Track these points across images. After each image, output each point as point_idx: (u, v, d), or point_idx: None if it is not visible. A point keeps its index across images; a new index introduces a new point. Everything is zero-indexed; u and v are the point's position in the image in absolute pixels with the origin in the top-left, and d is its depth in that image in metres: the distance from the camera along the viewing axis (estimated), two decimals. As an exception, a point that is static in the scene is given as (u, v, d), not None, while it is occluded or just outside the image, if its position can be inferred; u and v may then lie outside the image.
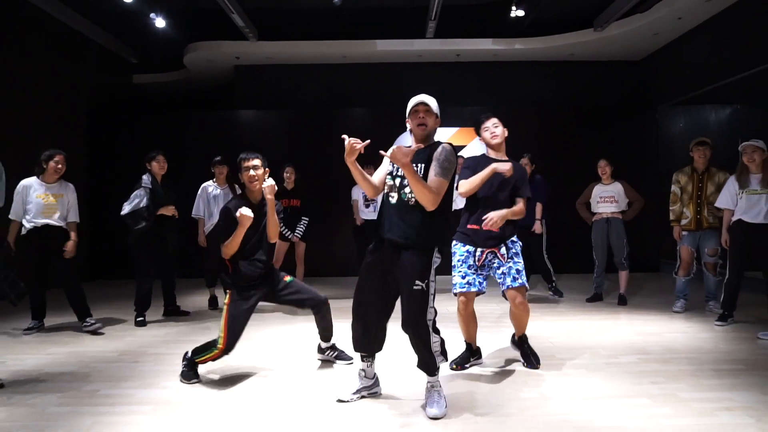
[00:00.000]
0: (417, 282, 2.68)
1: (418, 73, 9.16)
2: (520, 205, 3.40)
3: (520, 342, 3.65)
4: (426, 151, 2.78)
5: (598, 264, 5.92)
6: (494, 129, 3.44)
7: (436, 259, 2.75)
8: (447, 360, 3.02)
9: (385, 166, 2.92)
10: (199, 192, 5.82)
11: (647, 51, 8.74)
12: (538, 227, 6.04)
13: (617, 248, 5.74)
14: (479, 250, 3.39)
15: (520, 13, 7.82)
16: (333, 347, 3.76)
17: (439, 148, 2.74)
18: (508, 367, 3.56)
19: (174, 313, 5.35)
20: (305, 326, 4.62)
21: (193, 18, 8.63)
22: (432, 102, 2.80)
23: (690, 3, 6.82)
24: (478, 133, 3.53)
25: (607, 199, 5.79)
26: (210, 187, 5.80)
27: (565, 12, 8.12)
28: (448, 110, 8.72)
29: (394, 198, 2.78)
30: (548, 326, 4.74)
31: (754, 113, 7.72)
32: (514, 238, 3.45)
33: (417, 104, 2.79)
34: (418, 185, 2.58)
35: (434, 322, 2.80)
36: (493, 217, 3.21)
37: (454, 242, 3.48)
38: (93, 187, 8.23)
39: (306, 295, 3.61)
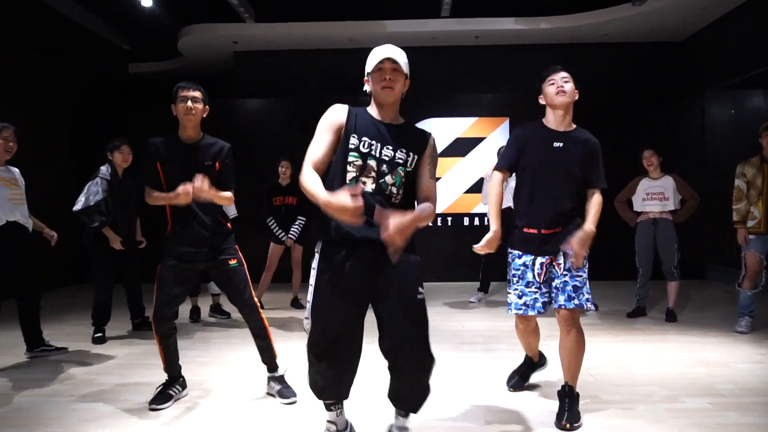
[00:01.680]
0: (420, 290, 2.08)
1: (432, 58, 8.32)
2: (596, 200, 2.63)
3: (563, 393, 2.65)
4: (409, 134, 2.16)
5: (642, 272, 5.02)
6: (563, 83, 2.64)
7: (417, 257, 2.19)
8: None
9: (328, 134, 2.15)
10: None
11: (692, 29, 7.75)
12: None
13: (666, 254, 4.85)
14: (539, 261, 2.64)
15: (548, -15, 6.94)
16: (277, 379, 3.02)
17: (431, 141, 2.21)
18: (545, 409, 2.73)
19: (142, 327, 4.62)
20: (294, 345, 3.87)
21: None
22: (401, 56, 2.08)
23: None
24: (540, 91, 2.73)
25: (655, 195, 4.89)
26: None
27: (598, -16, 7.21)
28: (466, 99, 7.91)
29: (368, 185, 2.05)
30: (587, 350, 3.88)
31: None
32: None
33: (382, 60, 2.05)
34: (425, 217, 2.03)
35: None
36: (577, 251, 2.48)
37: (510, 250, 2.77)
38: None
39: (236, 294, 2.95)
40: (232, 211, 4.94)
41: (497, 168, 2.78)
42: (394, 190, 2.07)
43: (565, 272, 2.60)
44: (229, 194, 2.88)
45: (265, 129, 7.82)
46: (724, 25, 7.26)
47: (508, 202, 5.54)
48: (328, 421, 2.29)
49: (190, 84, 2.92)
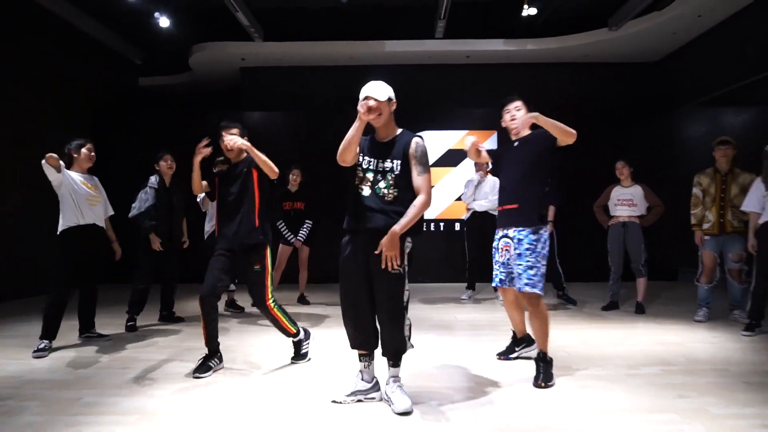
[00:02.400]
0: (396, 267, 2.70)
1: (427, 75, 8.97)
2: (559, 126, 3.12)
3: (537, 359, 3.24)
4: (396, 145, 2.78)
5: (613, 270, 5.64)
6: (515, 112, 3.34)
7: (408, 244, 2.78)
8: (412, 346, 2.89)
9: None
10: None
11: (665, 51, 8.49)
12: (549, 229, 5.82)
13: (635, 254, 5.46)
14: (502, 239, 3.35)
15: (533, 11, 7.62)
16: (294, 344, 3.75)
17: (413, 145, 2.76)
18: (525, 376, 3.30)
19: (168, 319, 5.16)
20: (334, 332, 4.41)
21: (199, 18, 8.54)
22: (379, 91, 2.73)
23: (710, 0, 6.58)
24: (500, 116, 3.45)
25: (624, 202, 5.52)
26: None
27: (578, 10, 7.92)
28: (458, 112, 8.54)
29: (365, 191, 2.78)
30: (562, 335, 4.47)
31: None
32: (531, 234, 3.16)
33: (364, 99, 2.72)
34: (413, 217, 2.67)
35: (406, 304, 2.80)
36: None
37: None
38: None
39: (253, 293, 3.58)
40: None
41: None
42: (386, 191, 2.73)
43: (516, 255, 3.22)
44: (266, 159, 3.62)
45: (271, 141, 8.33)
46: (695, 48, 7.98)
47: (482, 207, 6.17)
48: (359, 370, 2.93)
49: (228, 123, 3.67)
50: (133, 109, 9.60)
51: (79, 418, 2.68)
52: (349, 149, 2.72)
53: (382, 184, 2.74)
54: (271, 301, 3.58)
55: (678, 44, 8.15)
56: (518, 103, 3.36)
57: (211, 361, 3.51)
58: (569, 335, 4.47)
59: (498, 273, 3.40)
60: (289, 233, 6.05)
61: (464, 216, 7.01)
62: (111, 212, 4.48)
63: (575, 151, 8.02)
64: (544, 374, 3.16)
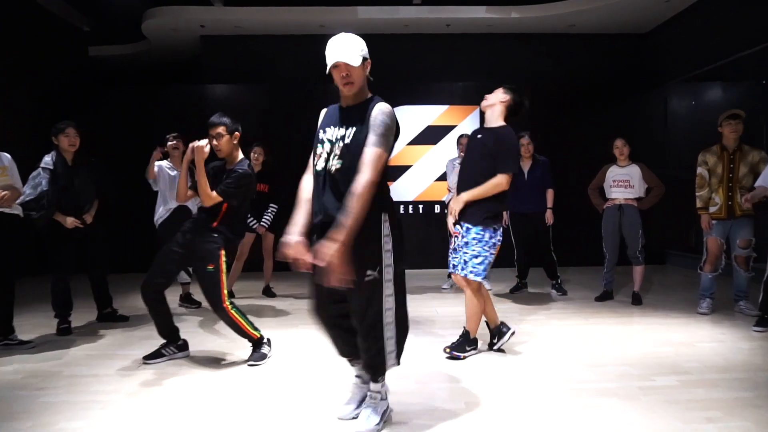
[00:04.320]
0: (369, 272, 2.17)
1: (404, 46, 8.30)
2: (494, 180, 3.21)
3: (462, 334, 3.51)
4: (359, 110, 2.25)
5: (608, 258, 5.18)
6: (489, 95, 3.42)
7: (387, 238, 2.21)
8: (399, 364, 2.36)
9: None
10: (156, 169, 4.94)
11: (655, 22, 7.97)
12: (550, 217, 5.35)
13: (631, 240, 5.00)
14: (455, 224, 3.39)
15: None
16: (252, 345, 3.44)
17: (374, 111, 2.19)
18: (521, 388, 2.79)
19: (109, 318, 4.50)
20: (303, 332, 3.83)
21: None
22: (350, 53, 2.16)
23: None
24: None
25: (621, 183, 5.03)
26: (166, 167, 4.93)
27: (567, -25, 7.31)
28: (438, 86, 7.92)
29: (319, 165, 2.29)
30: (558, 333, 3.99)
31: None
32: (469, 225, 3.24)
33: (333, 63, 2.19)
34: (355, 211, 2.03)
35: (401, 312, 2.32)
36: (452, 207, 3.34)
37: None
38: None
39: (208, 294, 3.27)
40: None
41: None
42: (333, 161, 2.20)
43: (461, 246, 3.29)
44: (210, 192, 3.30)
45: (235, 116, 7.54)
46: (686, 19, 7.49)
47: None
48: (355, 375, 2.58)
49: (214, 120, 3.34)
50: (83, 82, 8.71)
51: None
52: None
53: (332, 158, 2.23)
54: (228, 302, 3.23)
55: (669, 14, 7.65)
56: (500, 90, 3.42)
57: (166, 348, 3.42)
58: (566, 334, 3.99)
59: (451, 259, 3.43)
60: (252, 219, 5.42)
61: (445, 198, 6.48)
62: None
63: (560, 128, 7.63)
64: (458, 345, 3.43)
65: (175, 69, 9.59)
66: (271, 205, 5.50)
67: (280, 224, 5.61)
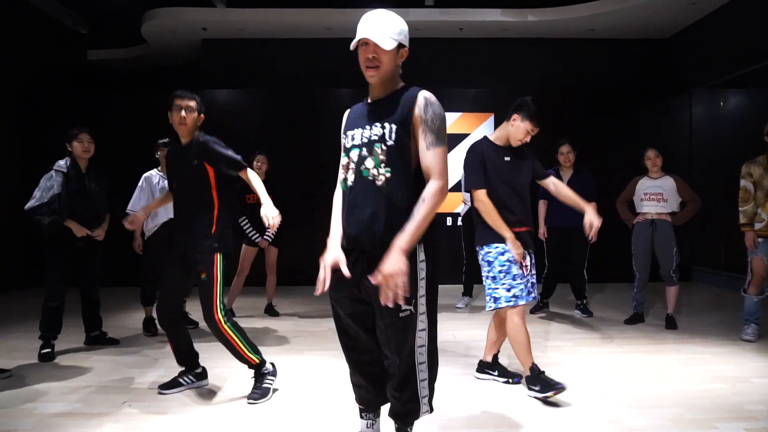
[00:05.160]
0: (404, 307, 1.80)
1: (414, 50, 7.70)
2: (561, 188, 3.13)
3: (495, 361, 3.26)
4: (393, 102, 1.88)
5: (639, 277, 4.76)
6: (533, 133, 3.01)
7: (422, 264, 1.87)
8: (432, 411, 2.05)
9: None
10: (140, 183, 4.58)
11: (680, 26, 7.60)
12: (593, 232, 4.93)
13: (664, 258, 4.59)
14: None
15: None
16: (255, 377, 3.05)
17: (421, 101, 1.85)
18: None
19: (97, 342, 4.10)
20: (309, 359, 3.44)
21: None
22: (383, 33, 1.81)
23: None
24: (521, 119, 2.98)
25: (653, 196, 4.64)
26: (155, 177, 4.55)
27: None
28: (450, 93, 7.55)
29: (350, 179, 1.92)
30: (590, 364, 3.58)
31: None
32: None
33: (360, 40, 1.84)
34: (423, 217, 1.75)
35: (433, 349, 1.98)
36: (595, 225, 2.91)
37: (489, 245, 2.97)
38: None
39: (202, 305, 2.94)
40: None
41: (477, 188, 2.96)
42: (375, 172, 1.85)
43: (531, 269, 3.02)
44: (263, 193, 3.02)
45: (236, 122, 7.29)
46: (712, 23, 7.13)
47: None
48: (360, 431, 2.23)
49: (185, 93, 3.03)
50: (80, 87, 8.39)
51: None
52: None
53: (369, 163, 1.86)
54: (220, 314, 2.91)
55: (694, 17, 7.27)
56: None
57: (184, 377, 3.13)
58: (600, 364, 3.58)
59: (523, 288, 2.99)
60: (254, 232, 5.05)
61: (458, 209, 6.10)
62: None
63: (578, 137, 7.19)
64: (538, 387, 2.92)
65: (173, 74, 9.26)
66: (275, 217, 5.11)
67: (283, 238, 5.24)
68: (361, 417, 2.19)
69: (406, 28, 1.90)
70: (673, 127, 7.53)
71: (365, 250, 1.86)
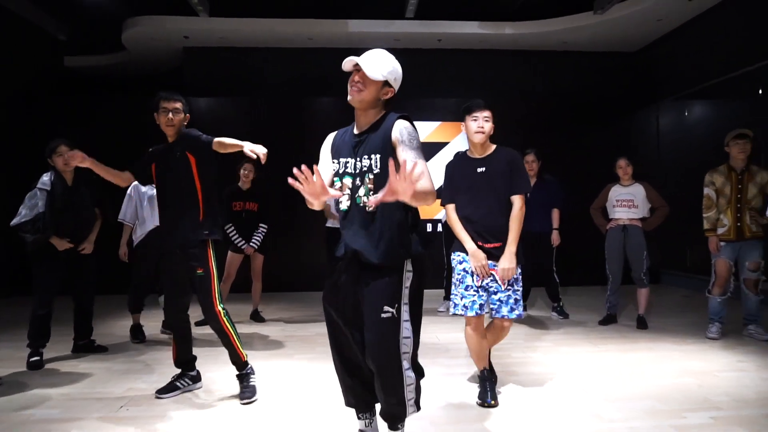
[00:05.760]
0: (386, 308, 2.03)
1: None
2: (517, 206, 2.89)
3: (492, 373, 3.08)
4: (375, 133, 2.08)
5: (612, 280, 5.01)
6: (483, 122, 2.91)
7: (408, 274, 2.09)
8: (419, 409, 2.18)
9: (326, 161, 2.21)
10: (128, 192, 4.64)
11: (646, 40, 7.98)
12: (556, 238, 5.16)
13: (635, 262, 4.84)
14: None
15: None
16: (240, 377, 3.14)
17: (396, 127, 2.04)
18: (546, 427, 2.55)
19: (86, 349, 4.13)
20: (298, 364, 3.53)
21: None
22: (374, 65, 2.02)
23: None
24: (464, 119, 2.99)
25: (624, 203, 4.89)
26: (143, 186, 4.60)
27: (561, -8, 7.27)
28: (430, 102, 7.76)
29: (343, 203, 2.13)
30: (569, 362, 3.78)
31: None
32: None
33: (355, 65, 2.07)
34: (422, 195, 1.89)
35: (415, 356, 2.16)
36: (506, 268, 2.82)
37: (453, 252, 3.00)
38: (14, 189, 6.84)
39: (200, 301, 3.06)
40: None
41: (446, 203, 3.06)
42: (366, 200, 2.06)
43: (508, 287, 2.85)
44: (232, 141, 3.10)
45: (220, 130, 7.15)
46: (679, 37, 7.50)
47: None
48: (360, 430, 2.34)
49: (171, 95, 3.11)
50: (57, 93, 8.30)
51: None
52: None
53: (361, 191, 2.08)
54: (219, 306, 3.04)
55: (661, 32, 7.65)
56: (487, 113, 2.94)
57: (180, 380, 3.20)
58: (576, 361, 3.78)
59: (474, 301, 2.92)
60: (240, 239, 5.13)
61: (438, 215, 6.28)
62: None
63: (552, 146, 7.50)
64: (491, 392, 3.00)
65: (155, 82, 9.24)
66: (261, 225, 5.22)
67: (268, 245, 5.33)
68: (358, 417, 2.33)
69: (399, 72, 2.09)
70: (642, 136, 7.88)
71: (363, 260, 2.05)
